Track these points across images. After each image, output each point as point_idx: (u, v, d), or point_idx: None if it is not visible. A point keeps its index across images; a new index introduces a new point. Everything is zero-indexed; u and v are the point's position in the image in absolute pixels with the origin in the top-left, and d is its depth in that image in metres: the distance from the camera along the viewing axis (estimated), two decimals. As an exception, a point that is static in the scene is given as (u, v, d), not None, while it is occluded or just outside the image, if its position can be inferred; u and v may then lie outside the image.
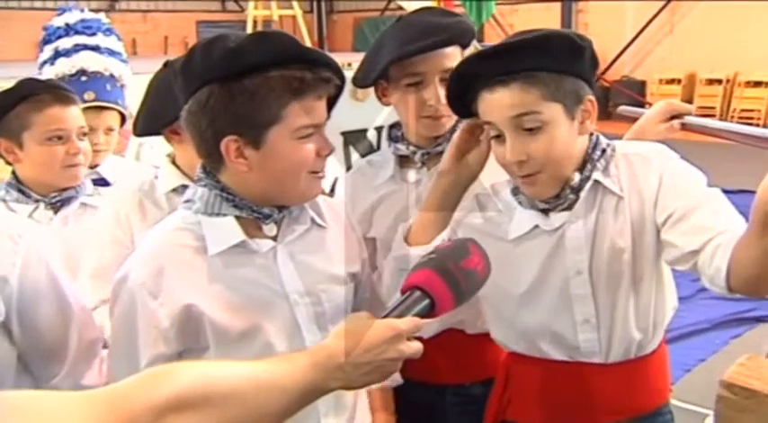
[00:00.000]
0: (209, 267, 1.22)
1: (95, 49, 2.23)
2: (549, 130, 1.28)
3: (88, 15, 2.32)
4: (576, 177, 1.32)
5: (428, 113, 1.57)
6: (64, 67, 2.20)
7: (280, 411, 0.96)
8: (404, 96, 1.59)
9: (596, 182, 1.33)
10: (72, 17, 2.29)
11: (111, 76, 2.23)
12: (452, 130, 1.61)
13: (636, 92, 11.88)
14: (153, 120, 1.65)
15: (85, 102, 2.09)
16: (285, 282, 1.26)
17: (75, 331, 1.38)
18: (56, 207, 1.81)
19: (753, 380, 1.24)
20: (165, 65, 1.68)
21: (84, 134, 1.82)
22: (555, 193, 1.33)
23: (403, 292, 1.09)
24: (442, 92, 1.52)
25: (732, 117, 11.31)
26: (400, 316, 1.04)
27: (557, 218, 1.35)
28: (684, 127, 1.56)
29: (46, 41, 2.27)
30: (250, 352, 1.19)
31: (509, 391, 1.50)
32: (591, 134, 1.36)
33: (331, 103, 1.27)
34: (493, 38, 13.66)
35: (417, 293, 1.07)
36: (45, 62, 2.27)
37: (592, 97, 1.32)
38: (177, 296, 1.20)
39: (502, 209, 1.41)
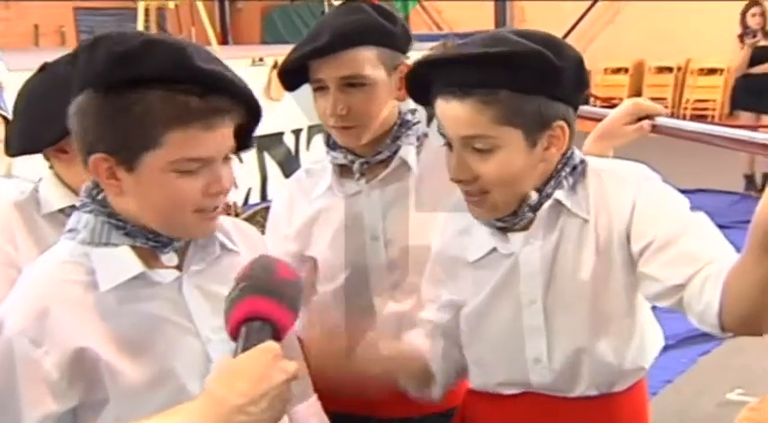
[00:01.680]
0: (103, 305, 1.18)
1: None
2: (502, 155, 1.27)
3: None
4: (534, 197, 1.32)
5: (331, 123, 1.59)
6: None
7: None
8: (315, 102, 1.62)
9: (558, 202, 1.32)
10: None
11: None
12: (395, 137, 1.61)
13: (580, 83, 12.23)
14: (33, 136, 1.58)
15: None
16: (195, 316, 1.24)
17: None
18: None
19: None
20: (43, 68, 1.62)
21: None
22: (506, 214, 1.33)
23: (233, 333, 1.09)
24: (342, 100, 1.55)
25: (685, 108, 11.76)
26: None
27: (514, 240, 1.35)
28: (655, 129, 1.58)
29: None
30: (158, 401, 1.16)
31: None
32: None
33: (245, 132, 1.24)
34: (420, 25, 13.82)
35: (257, 323, 1.08)
36: None
37: (563, 123, 1.30)
38: (66, 341, 1.15)
39: (464, 226, 1.42)
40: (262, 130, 3.95)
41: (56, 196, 1.60)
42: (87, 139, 1.17)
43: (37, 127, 1.55)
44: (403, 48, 1.63)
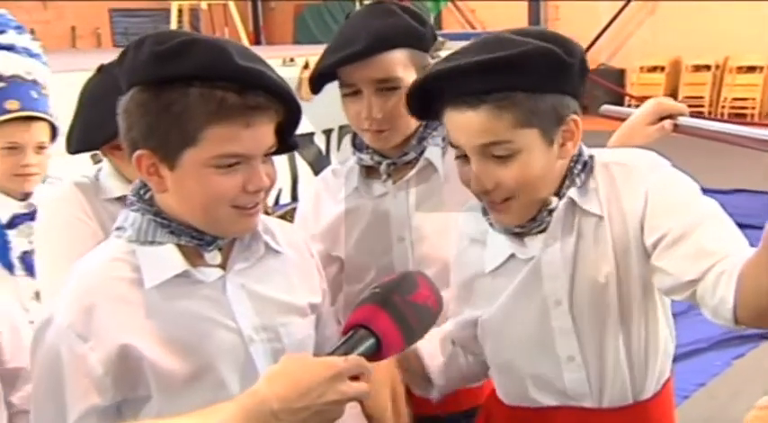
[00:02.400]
0: (147, 302, 1.20)
1: (9, 48, 2.11)
2: (522, 158, 1.27)
3: None
4: (555, 202, 1.32)
5: (365, 126, 1.60)
6: None
7: None
8: (345, 106, 1.63)
9: (572, 201, 1.32)
10: None
11: (35, 81, 2.11)
12: (421, 137, 1.63)
13: (614, 82, 12.09)
14: (90, 134, 1.65)
15: (8, 112, 1.99)
16: (238, 316, 1.25)
17: None
18: None
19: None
20: (100, 69, 1.67)
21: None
22: (527, 219, 1.33)
23: (345, 332, 1.10)
24: (378, 103, 1.56)
25: (723, 107, 11.59)
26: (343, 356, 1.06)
27: (532, 244, 1.35)
28: (677, 129, 1.57)
29: None
30: (199, 398, 1.17)
31: None
32: None
33: (286, 131, 1.25)
34: (453, 25, 13.79)
35: (362, 332, 1.09)
36: None
37: (576, 117, 1.30)
38: (111, 337, 1.18)
39: (478, 235, 1.41)
40: (293, 130, 3.87)
41: (115, 185, 1.68)
42: (132, 135, 1.21)
43: (93, 126, 1.61)
44: (429, 48, 1.63)
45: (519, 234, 1.35)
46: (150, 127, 1.18)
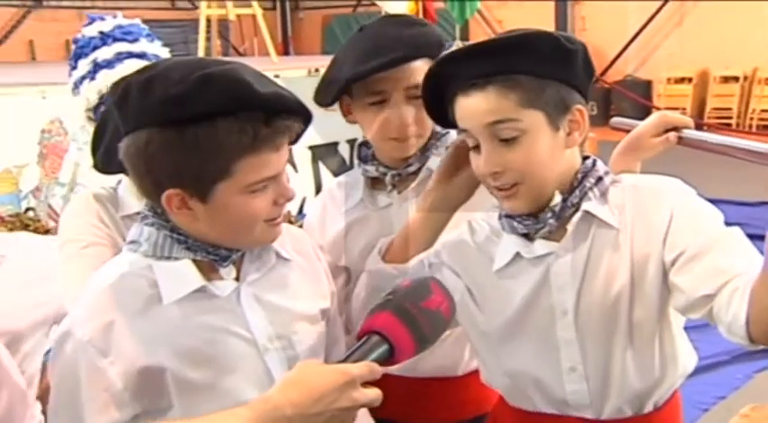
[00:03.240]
0: (166, 317, 1.22)
1: (141, 56, 2.13)
2: (529, 140, 1.29)
3: (124, 21, 2.23)
4: (558, 199, 1.34)
5: (393, 135, 1.61)
6: (107, 80, 2.07)
7: None
8: (368, 115, 1.63)
9: (588, 213, 1.34)
10: (106, 25, 2.20)
11: None
12: (425, 148, 1.65)
13: (641, 93, 12.02)
14: (114, 158, 1.65)
15: None
16: (252, 326, 1.28)
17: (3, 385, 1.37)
18: None
19: (756, 431, 1.26)
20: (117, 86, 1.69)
21: None
22: (534, 209, 1.35)
23: (359, 337, 1.13)
24: (409, 111, 1.58)
25: (751, 118, 11.46)
26: (356, 362, 1.08)
27: (540, 245, 1.37)
28: (681, 141, 1.58)
29: (78, 56, 2.18)
30: (218, 407, 1.18)
31: None
32: (587, 157, 1.38)
33: (296, 139, 1.28)
34: (479, 35, 13.79)
35: (375, 338, 1.12)
36: (83, 78, 2.16)
37: (582, 107, 1.34)
38: (132, 353, 1.19)
39: (491, 236, 1.43)
40: (317, 139, 4.04)
41: (134, 200, 1.67)
42: (155, 177, 1.20)
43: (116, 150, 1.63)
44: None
45: (526, 235, 1.37)
46: (178, 166, 1.17)
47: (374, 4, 9.19)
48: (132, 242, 1.28)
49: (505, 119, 1.29)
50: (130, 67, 2.10)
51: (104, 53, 2.16)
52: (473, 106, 1.30)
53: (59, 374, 1.23)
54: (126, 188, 1.72)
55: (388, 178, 1.66)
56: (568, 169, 1.35)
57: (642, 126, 1.62)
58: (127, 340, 1.20)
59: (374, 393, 1.08)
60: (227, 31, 11.87)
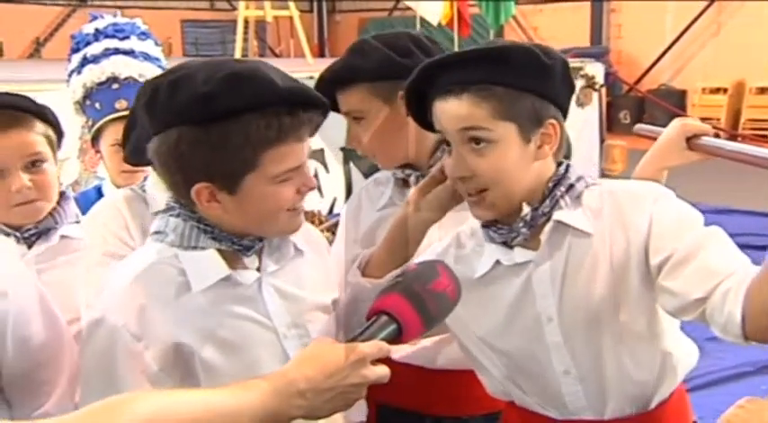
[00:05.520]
0: (194, 304, 1.27)
1: (129, 53, 2.20)
2: (498, 150, 1.32)
3: (121, 20, 2.32)
4: (527, 210, 1.36)
5: (359, 151, 1.71)
6: (92, 74, 2.18)
7: None
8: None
9: (560, 222, 1.36)
10: (102, 23, 2.28)
11: None
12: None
13: (675, 103, 11.89)
14: (142, 149, 1.68)
15: (117, 111, 2.10)
16: (272, 315, 1.33)
17: (68, 355, 1.42)
18: (29, 242, 1.76)
19: (750, 423, 1.27)
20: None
21: (35, 162, 1.69)
22: (503, 217, 1.37)
23: (368, 317, 1.17)
24: (356, 130, 1.67)
25: (787, 130, 11.32)
26: (366, 341, 1.12)
27: (519, 253, 1.39)
28: (701, 148, 1.57)
29: (74, 50, 2.27)
30: None
31: None
32: (560, 164, 1.39)
33: (315, 130, 1.33)
34: (514, 41, 13.74)
35: (384, 318, 1.16)
36: (72, 72, 2.26)
37: (555, 121, 1.35)
38: (164, 337, 1.24)
39: (476, 248, 1.45)
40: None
41: (161, 197, 1.64)
42: (186, 173, 1.24)
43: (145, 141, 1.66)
44: (394, 76, 1.64)
45: (505, 243, 1.40)
46: (208, 162, 1.22)
47: (410, 8, 9.23)
48: (157, 232, 1.33)
49: (477, 126, 1.32)
50: (116, 62, 2.18)
51: (93, 49, 2.23)
52: (448, 111, 1.34)
53: (93, 360, 1.27)
54: (153, 185, 1.74)
55: (412, 179, 1.71)
56: (539, 178, 1.37)
57: (664, 134, 1.62)
58: (159, 325, 1.24)
59: (383, 370, 1.12)
60: (264, 32, 11.99)
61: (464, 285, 1.37)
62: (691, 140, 1.58)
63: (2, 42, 13.38)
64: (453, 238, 1.50)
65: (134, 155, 1.69)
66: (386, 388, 1.65)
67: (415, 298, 1.17)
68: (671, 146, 1.59)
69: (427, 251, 1.51)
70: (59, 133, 1.83)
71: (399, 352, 1.68)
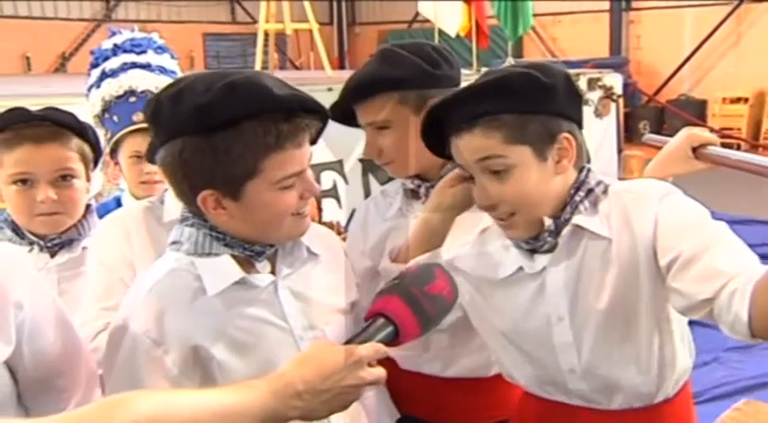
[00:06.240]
0: (211, 308, 1.30)
1: (145, 67, 2.25)
2: (518, 174, 1.35)
3: (138, 34, 2.36)
4: (548, 223, 1.38)
5: (372, 159, 1.73)
6: (110, 88, 2.22)
7: None
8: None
9: (578, 226, 1.38)
10: (120, 38, 2.33)
11: None
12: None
13: (695, 113, 11.84)
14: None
15: (134, 123, 2.13)
16: (289, 317, 1.36)
17: (83, 363, 1.44)
18: (53, 251, 1.83)
19: (747, 425, 1.27)
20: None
21: (64, 177, 1.79)
22: (534, 233, 1.40)
23: (366, 319, 1.19)
24: (374, 139, 1.68)
25: (808, 140, 11.22)
26: (363, 343, 1.14)
27: (540, 260, 1.42)
28: (704, 157, 1.58)
29: (93, 65, 2.32)
30: None
31: None
32: (582, 169, 1.42)
33: (317, 137, 1.36)
34: (533, 53, 13.77)
35: (381, 320, 1.18)
36: (91, 87, 2.31)
37: (569, 135, 1.38)
38: (182, 341, 1.28)
39: (501, 246, 1.48)
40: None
41: (177, 205, 1.71)
42: (191, 182, 1.28)
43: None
44: (432, 85, 1.67)
45: (529, 250, 1.43)
46: (210, 169, 1.25)
47: (428, 20, 9.25)
48: (174, 243, 1.37)
49: (492, 155, 1.35)
50: (133, 76, 2.22)
51: (112, 63, 2.27)
52: (462, 146, 1.38)
53: (119, 364, 1.30)
54: (171, 193, 1.73)
55: (422, 190, 1.72)
56: (563, 189, 1.40)
57: (671, 143, 1.64)
58: (177, 329, 1.28)
59: (379, 372, 1.14)
60: (284, 44, 12.07)
61: (486, 284, 1.46)
62: (697, 150, 1.60)
63: (29, 57, 13.60)
64: (478, 236, 1.53)
65: (151, 154, 1.74)
66: (399, 397, 1.67)
67: (412, 300, 1.19)
68: (677, 154, 1.61)
69: (446, 248, 1.54)
70: (97, 151, 1.90)
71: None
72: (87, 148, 1.83)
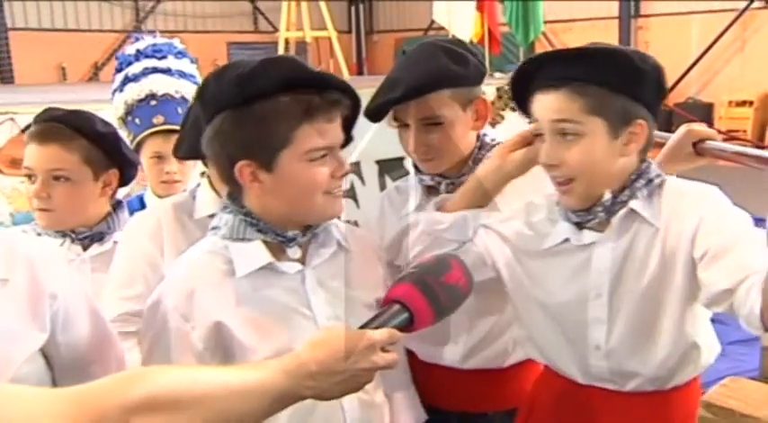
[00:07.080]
0: (238, 289, 1.35)
1: (166, 71, 2.31)
2: (586, 142, 1.39)
3: (160, 40, 2.42)
4: (608, 196, 1.41)
5: (416, 155, 1.69)
6: (132, 92, 2.28)
7: (249, 416, 1.06)
8: (399, 135, 1.72)
9: (633, 211, 1.42)
10: (143, 44, 2.39)
11: (183, 98, 2.26)
12: (476, 159, 1.72)
13: (702, 116, 11.71)
14: (196, 142, 1.73)
15: (154, 126, 2.20)
16: (313, 305, 1.39)
17: (113, 351, 1.48)
18: (84, 244, 1.87)
19: (732, 400, 1.31)
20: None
21: (57, 177, 1.80)
22: (586, 205, 1.43)
23: (382, 306, 1.21)
24: (421, 138, 1.65)
25: (813, 142, 11.12)
26: (378, 328, 1.15)
27: (588, 235, 1.45)
28: (704, 152, 1.60)
29: (117, 70, 2.39)
30: None
31: (532, 418, 1.62)
32: (644, 160, 1.45)
33: (349, 125, 1.40)
34: (544, 58, 13.70)
35: (396, 307, 1.19)
36: (115, 91, 2.38)
37: (644, 122, 1.40)
38: (207, 316, 1.32)
39: (546, 218, 1.52)
40: (384, 154, 4.08)
41: (207, 202, 1.74)
42: (228, 152, 1.33)
43: (198, 136, 1.72)
44: (476, 82, 1.69)
45: (577, 223, 1.46)
46: (247, 139, 1.31)
47: (443, 28, 9.29)
48: (214, 228, 1.42)
49: (568, 119, 1.39)
50: (154, 80, 2.29)
51: (134, 68, 2.34)
52: (545, 103, 1.42)
53: (152, 336, 1.36)
54: (202, 190, 1.78)
55: (442, 187, 1.72)
56: (623, 173, 1.43)
57: (672, 140, 1.65)
58: (204, 306, 1.32)
59: (392, 357, 1.15)
60: (304, 52, 12.12)
61: (529, 253, 1.49)
62: (697, 145, 1.61)
63: (65, 67, 13.79)
64: (526, 205, 1.57)
65: (182, 151, 1.77)
66: (417, 388, 1.68)
67: (427, 289, 1.19)
68: (679, 150, 1.63)
69: (492, 210, 1.57)
70: (116, 156, 1.87)
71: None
72: (97, 152, 1.83)
